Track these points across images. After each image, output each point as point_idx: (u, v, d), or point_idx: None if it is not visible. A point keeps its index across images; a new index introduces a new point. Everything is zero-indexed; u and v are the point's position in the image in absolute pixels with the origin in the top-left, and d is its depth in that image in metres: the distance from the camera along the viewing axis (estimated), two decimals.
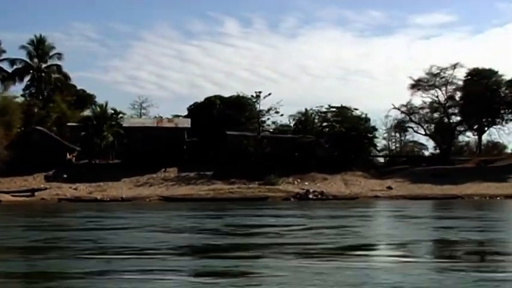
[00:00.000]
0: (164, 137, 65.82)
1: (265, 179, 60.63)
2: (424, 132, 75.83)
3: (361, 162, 67.07)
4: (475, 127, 78.31)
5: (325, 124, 70.36)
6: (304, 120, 71.83)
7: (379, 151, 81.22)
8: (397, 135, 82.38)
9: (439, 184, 61.03)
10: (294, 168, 63.03)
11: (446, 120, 74.32)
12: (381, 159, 78.17)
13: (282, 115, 68.36)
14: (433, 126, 75.38)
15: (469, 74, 76.13)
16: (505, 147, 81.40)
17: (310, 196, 55.16)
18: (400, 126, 77.46)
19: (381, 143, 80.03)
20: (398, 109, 74.19)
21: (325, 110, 71.10)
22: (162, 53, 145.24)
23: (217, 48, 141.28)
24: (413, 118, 75.12)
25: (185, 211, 37.49)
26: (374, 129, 70.91)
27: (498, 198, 53.86)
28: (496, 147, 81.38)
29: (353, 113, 71.19)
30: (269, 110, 67.57)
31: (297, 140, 65.97)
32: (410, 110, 74.61)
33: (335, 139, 67.10)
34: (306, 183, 61.25)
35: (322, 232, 21.17)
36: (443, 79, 73.34)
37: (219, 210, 37.85)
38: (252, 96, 68.92)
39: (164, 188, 60.51)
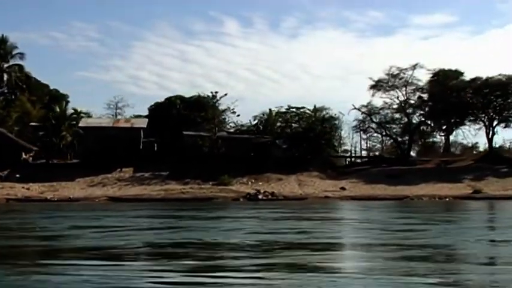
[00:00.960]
0: (120, 137, 65.87)
1: (218, 179, 60.73)
2: (384, 133, 76.07)
3: (318, 163, 67.13)
4: (444, 127, 78.83)
5: (284, 125, 70.41)
6: (265, 120, 72.07)
7: (347, 151, 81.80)
8: (362, 135, 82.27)
9: (393, 185, 61.19)
10: (249, 169, 63.12)
11: (406, 120, 74.50)
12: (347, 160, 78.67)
13: (238, 115, 68.56)
14: (394, 127, 75.60)
15: (434, 75, 76.57)
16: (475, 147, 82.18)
17: (260, 197, 55.13)
18: (359, 127, 77.61)
19: (351, 142, 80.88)
20: (359, 109, 74.57)
21: (284, 110, 71.26)
22: (163, 53, 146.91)
23: (218, 48, 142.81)
24: (374, 119, 75.30)
25: (116, 211, 37.45)
26: (331, 130, 70.95)
27: (447, 199, 53.92)
28: (472, 147, 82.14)
29: (316, 113, 71.31)
30: (224, 110, 67.79)
31: (253, 140, 66.12)
32: (370, 111, 74.82)
33: (292, 140, 67.25)
34: (260, 183, 61.32)
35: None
36: (403, 80, 73.55)
37: (157, 210, 37.92)
38: (208, 96, 69.17)
39: (117, 188, 60.42)
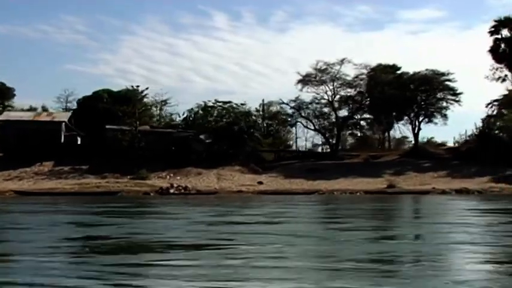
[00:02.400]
0: (41, 130, 65.74)
1: (136, 173, 60.91)
2: (313, 127, 76.73)
3: (242, 158, 67.49)
4: (386, 122, 79.53)
5: (210, 119, 70.64)
6: (194, 114, 72.34)
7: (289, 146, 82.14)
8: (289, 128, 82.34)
9: (311, 179, 61.74)
10: (169, 163, 63.31)
11: (334, 115, 75.17)
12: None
13: (161, 109, 68.70)
14: (323, 121, 76.17)
15: (372, 70, 77.22)
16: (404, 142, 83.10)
17: (172, 191, 55.38)
18: (283, 121, 77.74)
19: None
20: (287, 104, 75.06)
21: (211, 104, 71.50)
22: (152, 47, 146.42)
23: (206, 42, 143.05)
24: (302, 113, 75.81)
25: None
26: (256, 124, 71.43)
27: (358, 193, 54.52)
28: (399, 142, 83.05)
29: (241, 107, 71.68)
30: (152, 105, 67.91)
31: (174, 135, 66.33)
32: (299, 105, 75.31)
33: (216, 134, 67.54)
34: (178, 177, 61.56)
35: None
36: (330, 75, 74.11)
37: (49, 205, 38.04)
38: (133, 88, 69.37)
39: (32, 182, 60.34)
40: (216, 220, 24.05)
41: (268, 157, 74.77)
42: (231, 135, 66.75)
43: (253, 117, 71.98)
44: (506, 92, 73.57)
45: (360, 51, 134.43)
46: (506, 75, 74.88)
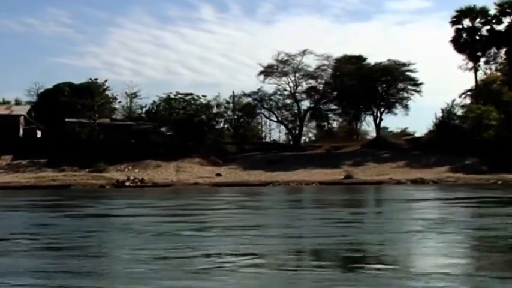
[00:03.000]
0: None
1: (94, 166, 60.95)
2: (276, 119, 76.98)
3: (203, 150, 67.65)
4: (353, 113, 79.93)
5: (172, 111, 70.72)
6: (157, 107, 72.48)
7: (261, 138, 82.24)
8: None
9: (270, 171, 62.06)
10: (128, 156, 63.42)
11: (296, 107, 75.44)
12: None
13: (119, 102, 68.78)
14: (285, 112, 76.43)
15: (338, 61, 77.50)
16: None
17: (128, 183, 55.52)
18: (247, 112, 77.77)
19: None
20: (250, 95, 75.19)
21: (173, 96, 71.60)
22: (138, 39, 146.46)
23: (193, 34, 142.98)
24: (265, 105, 75.99)
25: None
26: (218, 116, 71.61)
27: (314, 184, 54.91)
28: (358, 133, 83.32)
29: (201, 100, 71.85)
30: (108, 97, 67.97)
31: (133, 127, 66.43)
32: (261, 97, 75.52)
33: (177, 126, 67.68)
34: (137, 170, 61.72)
35: None
36: (291, 66, 74.38)
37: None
38: (91, 80, 69.44)
39: None
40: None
41: (231, 149, 74.88)
42: (192, 128, 66.88)
43: (224, 109, 71.93)
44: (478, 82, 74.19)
45: (347, 42, 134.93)
46: (478, 65, 75.34)
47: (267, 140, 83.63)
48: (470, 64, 75.61)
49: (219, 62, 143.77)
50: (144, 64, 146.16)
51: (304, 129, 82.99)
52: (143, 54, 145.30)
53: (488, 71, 77.37)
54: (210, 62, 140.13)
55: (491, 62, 76.95)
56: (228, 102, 79.36)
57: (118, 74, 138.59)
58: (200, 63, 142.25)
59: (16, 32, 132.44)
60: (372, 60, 76.36)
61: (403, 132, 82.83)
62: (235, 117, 79.88)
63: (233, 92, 77.49)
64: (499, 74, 75.43)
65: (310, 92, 75.23)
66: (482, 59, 75.76)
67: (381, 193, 39.32)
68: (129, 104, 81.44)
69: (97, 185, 55.58)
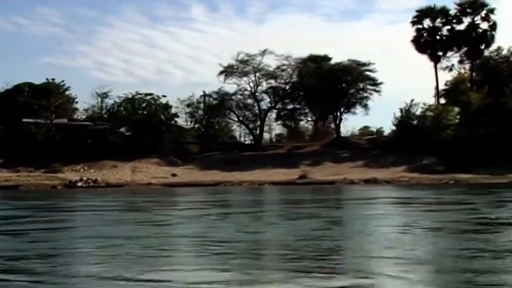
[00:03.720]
0: None
1: (50, 166, 61.10)
2: (237, 119, 77.34)
3: (162, 150, 67.92)
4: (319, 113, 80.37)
5: (131, 111, 70.95)
6: (117, 107, 72.71)
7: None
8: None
9: (227, 171, 62.43)
10: (85, 156, 63.64)
11: (257, 106, 75.88)
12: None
13: (77, 102, 68.98)
14: (246, 112, 76.84)
15: (303, 61, 77.98)
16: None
17: (80, 184, 55.70)
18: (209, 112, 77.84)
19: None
20: (210, 96, 75.49)
21: (131, 96, 71.84)
22: (129, 39, 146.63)
23: (184, 33, 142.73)
24: (226, 105, 76.29)
25: None
26: (176, 116, 72.01)
27: (267, 184, 55.31)
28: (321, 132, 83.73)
29: (161, 100, 72.12)
30: (68, 97, 68.13)
31: (90, 127, 66.64)
32: (223, 97, 75.83)
33: (135, 126, 67.96)
34: (92, 170, 61.97)
35: None
36: (251, 66, 74.81)
37: None
38: (48, 81, 69.54)
39: None
40: None
41: (194, 149, 75.12)
42: (150, 128, 67.15)
43: (195, 108, 72.27)
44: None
45: (339, 41, 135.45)
46: (453, 65, 75.78)
47: (241, 139, 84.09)
48: (446, 63, 76.11)
49: (210, 61, 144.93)
50: (135, 64, 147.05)
51: (271, 128, 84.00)
52: (134, 54, 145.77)
53: (463, 70, 77.75)
54: (201, 62, 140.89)
55: (465, 62, 77.33)
56: (198, 102, 79.63)
57: (109, 74, 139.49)
58: (191, 62, 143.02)
59: (6, 31, 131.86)
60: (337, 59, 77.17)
61: (368, 132, 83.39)
62: (206, 116, 79.94)
63: (204, 92, 77.69)
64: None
65: (269, 91, 75.61)
66: (457, 59, 76.17)
67: (316, 192, 39.74)
68: (100, 103, 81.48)
69: (50, 185, 55.73)
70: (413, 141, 65.07)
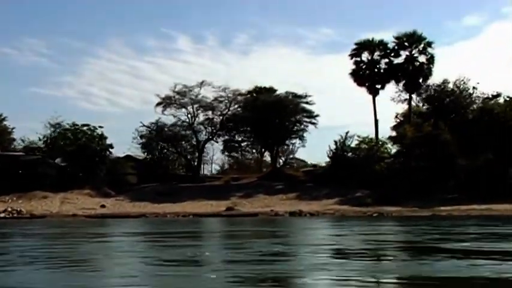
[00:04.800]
0: None
1: None
2: (174, 150, 78.22)
3: (96, 180, 68.63)
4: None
5: (64, 142, 71.58)
6: (54, 138, 73.43)
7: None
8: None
9: (157, 202, 63.32)
10: (16, 187, 64.19)
11: (194, 138, 76.89)
12: None
13: (13, 132, 69.82)
14: (184, 144, 77.82)
15: (249, 93, 79.31)
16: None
17: (3, 215, 56.10)
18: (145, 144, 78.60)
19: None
20: (148, 127, 76.42)
21: (67, 127, 72.62)
22: (115, 69, 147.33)
23: (170, 64, 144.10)
24: (164, 136, 77.16)
25: None
26: (111, 147, 72.84)
27: (191, 216, 56.03)
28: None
29: (97, 131, 72.87)
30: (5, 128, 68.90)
31: (21, 158, 67.31)
32: (160, 128, 76.76)
33: (69, 157, 68.71)
34: (20, 201, 62.40)
35: None
36: (189, 97, 75.92)
37: None
38: None
39: None
40: None
41: (132, 180, 75.87)
42: (83, 159, 67.91)
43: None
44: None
45: (322, 73, 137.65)
46: (411, 97, 76.74)
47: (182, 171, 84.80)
48: (404, 96, 77.39)
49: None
50: (121, 94, 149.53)
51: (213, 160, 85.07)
52: (119, 84, 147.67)
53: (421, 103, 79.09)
54: None
55: (423, 95, 78.75)
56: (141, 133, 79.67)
57: (94, 104, 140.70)
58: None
59: None
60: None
61: (309, 165, 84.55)
62: (159, 147, 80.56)
63: (141, 123, 78.42)
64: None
65: (205, 123, 76.84)
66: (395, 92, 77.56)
67: (217, 224, 40.55)
68: (52, 134, 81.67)
69: None
70: (348, 173, 66.26)
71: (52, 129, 74.87)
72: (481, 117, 67.53)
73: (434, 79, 75.21)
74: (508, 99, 70.35)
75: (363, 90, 77.00)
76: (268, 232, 30.66)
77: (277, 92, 79.66)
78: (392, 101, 77.56)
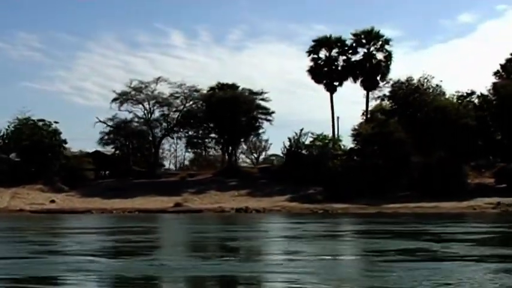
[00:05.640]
0: None
1: None
2: (131, 146, 78.69)
3: (50, 175, 69.17)
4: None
5: (18, 137, 71.98)
6: (11, 133, 73.89)
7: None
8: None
9: (108, 198, 64.09)
10: None
11: (151, 134, 77.33)
12: None
13: None
14: (141, 140, 78.29)
15: (211, 89, 79.69)
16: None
17: None
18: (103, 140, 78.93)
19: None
20: (105, 122, 76.84)
21: (24, 122, 73.03)
22: (108, 64, 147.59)
23: (162, 59, 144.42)
24: (121, 132, 77.57)
25: None
26: (65, 142, 73.37)
27: (136, 212, 56.87)
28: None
29: (53, 126, 73.38)
30: None
31: None
32: (117, 124, 77.18)
33: (23, 152, 69.29)
34: None
35: None
36: (145, 93, 76.42)
37: None
38: None
39: None
40: None
41: (90, 175, 76.44)
42: (37, 154, 68.46)
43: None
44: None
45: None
46: (385, 95, 76.99)
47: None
48: (377, 93, 77.74)
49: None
50: (114, 89, 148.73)
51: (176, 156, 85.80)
52: (112, 80, 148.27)
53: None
54: None
55: (387, 92, 78.78)
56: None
57: (86, 99, 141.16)
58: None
59: None
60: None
61: (269, 161, 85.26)
62: (127, 143, 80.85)
63: (97, 118, 78.92)
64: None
65: (161, 119, 77.37)
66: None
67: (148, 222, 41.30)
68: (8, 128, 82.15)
69: None
70: (301, 170, 66.89)
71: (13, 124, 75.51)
72: (435, 115, 68.20)
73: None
74: (457, 96, 71.42)
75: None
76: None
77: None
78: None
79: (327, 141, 70.84)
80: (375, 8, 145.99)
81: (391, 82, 74.89)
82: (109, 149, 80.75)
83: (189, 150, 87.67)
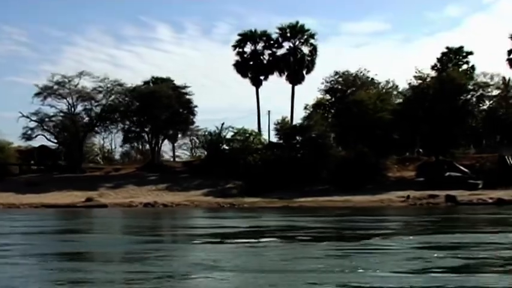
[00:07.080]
0: None
1: None
2: (56, 141, 79.43)
3: None
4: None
5: None
6: None
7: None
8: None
9: (23, 193, 64.89)
10: None
11: (74, 128, 78.03)
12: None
13: None
14: (65, 134, 79.05)
15: (145, 83, 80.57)
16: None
17: None
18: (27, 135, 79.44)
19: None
20: (28, 117, 77.42)
21: None
22: (94, 58, 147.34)
23: (149, 53, 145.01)
24: (45, 126, 78.26)
25: None
26: None
27: (51, 208, 57.63)
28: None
29: None
30: None
31: None
32: (42, 118, 77.87)
33: None
34: None
35: None
36: (67, 87, 77.14)
37: None
38: None
39: None
40: None
41: (14, 170, 77.25)
42: None
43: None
44: None
45: None
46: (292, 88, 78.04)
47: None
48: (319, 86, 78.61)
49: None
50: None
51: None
52: (99, 73, 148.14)
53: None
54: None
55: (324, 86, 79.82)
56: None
57: None
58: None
59: None
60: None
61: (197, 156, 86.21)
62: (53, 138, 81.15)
63: (20, 113, 79.17)
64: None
65: (83, 113, 78.33)
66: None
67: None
68: None
69: None
70: (222, 164, 68.04)
71: None
72: (353, 108, 69.42)
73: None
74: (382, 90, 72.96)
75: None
76: None
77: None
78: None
79: (247, 135, 71.93)
80: (361, 2, 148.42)
81: (329, 76, 76.96)
82: (53, 144, 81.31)
83: (122, 144, 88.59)
